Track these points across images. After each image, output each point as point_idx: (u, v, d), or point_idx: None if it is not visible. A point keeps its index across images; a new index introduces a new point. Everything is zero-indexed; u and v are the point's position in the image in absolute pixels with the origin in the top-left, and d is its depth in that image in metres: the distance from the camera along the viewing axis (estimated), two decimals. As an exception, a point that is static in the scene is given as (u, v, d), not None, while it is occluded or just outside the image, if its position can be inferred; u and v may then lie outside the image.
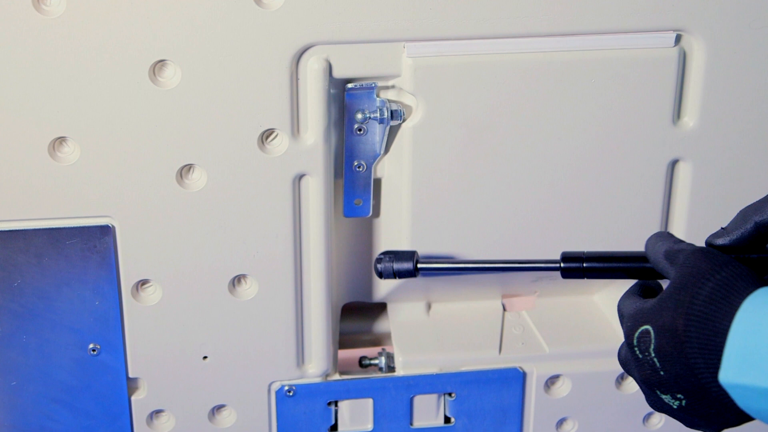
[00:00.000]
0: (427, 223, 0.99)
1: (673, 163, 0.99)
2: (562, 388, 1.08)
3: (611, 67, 0.94)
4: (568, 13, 0.91)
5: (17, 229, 0.93)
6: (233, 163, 0.93)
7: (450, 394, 1.07)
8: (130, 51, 0.88)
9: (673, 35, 0.94)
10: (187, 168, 0.93)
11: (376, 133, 0.96)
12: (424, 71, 0.92)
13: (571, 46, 0.93)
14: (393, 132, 0.96)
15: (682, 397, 0.69)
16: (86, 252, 0.95)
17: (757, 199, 0.75)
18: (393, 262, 0.88)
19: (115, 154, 0.91)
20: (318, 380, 1.04)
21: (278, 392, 1.04)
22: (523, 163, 0.97)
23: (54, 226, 0.94)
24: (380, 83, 0.93)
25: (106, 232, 0.94)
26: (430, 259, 0.88)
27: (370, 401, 1.06)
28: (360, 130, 0.95)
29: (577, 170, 0.98)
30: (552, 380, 1.08)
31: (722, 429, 0.70)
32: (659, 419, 1.12)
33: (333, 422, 1.07)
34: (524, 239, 1.01)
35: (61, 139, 0.91)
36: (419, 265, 0.86)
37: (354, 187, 0.99)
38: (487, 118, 0.95)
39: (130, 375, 1.01)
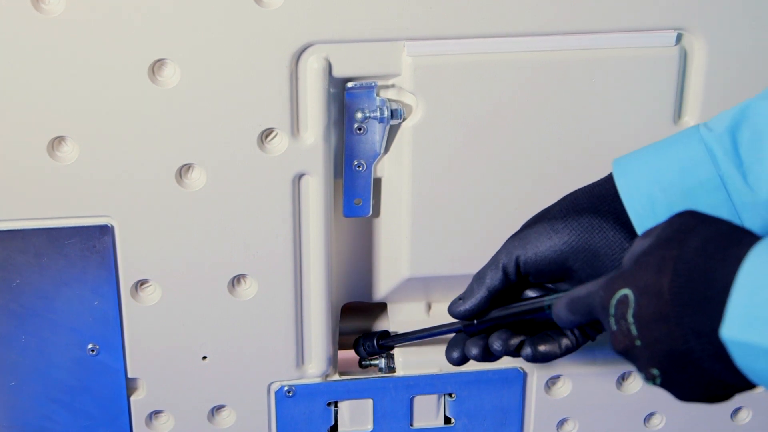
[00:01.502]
0: (427, 222, 0.99)
1: (674, 163, 0.99)
2: (562, 388, 1.08)
3: (612, 66, 0.94)
4: (568, 12, 0.91)
5: (16, 228, 0.93)
6: (233, 162, 0.93)
7: (450, 395, 1.06)
8: (129, 50, 0.87)
9: (674, 34, 0.93)
10: (186, 167, 0.93)
11: (376, 132, 0.95)
12: (424, 70, 0.92)
13: (571, 45, 0.93)
14: (393, 131, 0.96)
15: (658, 373, 0.64)
16: (85, 252, 0.95)
17: None
18: (362, 344, 1.04)
19: (114, 154, 0.91)
20: (318, 380, 1.04)
21: (278, 392, 1.04)
22: (524, 162, 0.97)
23: (53, 226, 0.93)
24: (380, 82, 0.93)
25: (105, 231, 0.94)
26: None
27: (370, 402, 1.06)
28: (360, 129, 0.95)
29: (578, 169, 0.98)
30: (553, 380, 1.08)
31: (702, 400, 0.65)
32: (660, 420, 1.11)
33: (333, 422, 1.07)
34: (525, 239, 1.00)
35: (60, 139, 0.90)
36: (380, 341, 1.02)
37: (354, 186, 0.99)
38: (488, 117, 0.95)
39: (130, 375, 1.01)
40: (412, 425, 1.07)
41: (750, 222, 0.79)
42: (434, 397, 1.06)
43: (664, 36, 0.93)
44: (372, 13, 0.89)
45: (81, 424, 1.02)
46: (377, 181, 0.99)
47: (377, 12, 0.89)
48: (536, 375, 1.07)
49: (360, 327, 1.10)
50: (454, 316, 0.87)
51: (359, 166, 0.97)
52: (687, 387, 0.64)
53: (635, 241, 0.68)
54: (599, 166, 0.98)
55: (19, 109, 0.88)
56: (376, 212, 1.01)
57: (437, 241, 1.00)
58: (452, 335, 0.91)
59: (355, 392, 1.05)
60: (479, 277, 0.85)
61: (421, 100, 0.93)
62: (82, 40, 0.86)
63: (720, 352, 0.61)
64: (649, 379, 0.66)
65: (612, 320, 0.66)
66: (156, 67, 0.89)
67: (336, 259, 1.03)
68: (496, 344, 0.84)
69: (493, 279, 0.84)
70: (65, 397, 1.01)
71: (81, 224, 0.94)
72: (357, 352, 1.05)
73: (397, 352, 1.05)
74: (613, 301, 0.66)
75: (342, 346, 1.08)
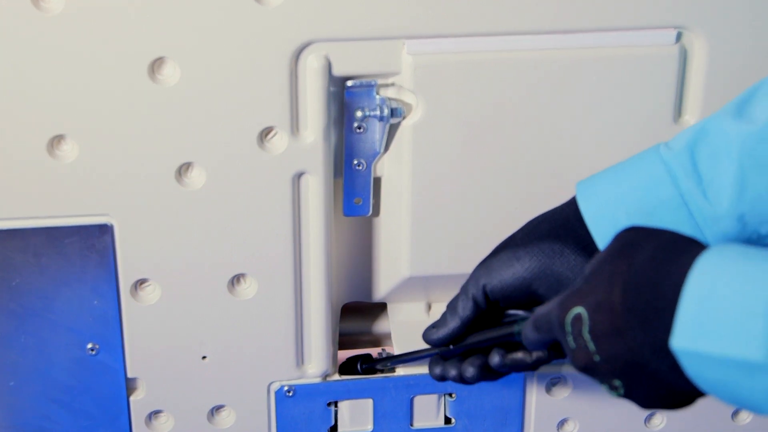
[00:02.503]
0: (427, 221, 0.99)
1: (674, 162, 0.99)
2: (563, 388, 1.08)
3: (612, 65, 0.94)
4: (568, 11, 0.91)
5: (15, 228, 0.93)
6: (232, 161, 0.93)
7: (450, 395, 1.06)
8: (128, 48, 0.87)
9: (674, 33, 0.93)
10: (186, 166, 0.93)
11: (376, 131, 0.95)
12: (424, 69, 0.92)
13: (571, 44, 0.93)
14: (393, 130, 0.96)
15: (620, 384, 0.65)
16: (85, 251, 0.94)
17: None
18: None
19: (113, 153, 0.91)
20: (317, 380, 1.04)
21: (278, 392, 1.03)
22: (523, 161, 0.97)
23: (52, 225, 0.93)
24: (380, 81, 0.93)
25: (104, 230, 0.94)
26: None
27: (370, 401, 1.06)
28: (360, 128, 0.95)
29: (577, 168, 0.98)
30: (553, 381, 1.07)
31: (665, 408, 0.66)
32: (660, 420, 1.11)
33: (333, 422, 1.06)
34: (525, 238, 1.00)
35: (59, 137, 0.90)
36: (364, 365, 1.04)
37: (354, 185, 0.98)
38: (488, 115, 0.95)
39: (129, 375, 1.01)
40: (412, 425, 1.07)
41: (713, 237, 0.80)
42: (434, 397, 1.06)
43: (664, 34, 0.93)
44: (372, 11, 0.89)
45: (80, 424, 1.02)
46: (377, 180, 0.99)
47: (377, 10, 0.89)
48: (536, 375, 1.06)
49: (360, 327, 1.10)
50: (428, 344, 0.88)
51: (359, 165, 0.97)
52: (648, 397, 0.65)
53: (590, 261, 0.70)
54: (599, 165, 0.98)
55: (18, 107, 0.88)
56: (376, 211, 1.01)
57: (437, 240, 1.00)
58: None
59: (355, 392, 1.05)
60: (451, 306, 0.87)
61: (421, 99, 0.93)
62: (82, 38, 0.86)
63: (675, 363, 0.62)
64: (612, 390, 0.67)
65: (570, 338, 0.67)
66: (156, 65, 0.88)
67: (336, 259, 1.03)
68: (469, 371, 0.85)
69: (465, 309, 0.86)
70: (65, 396, 1.01)
71: (80, 223, 0.93)
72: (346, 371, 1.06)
73: (397, 352, 1.05)
74: (568, 320, 0.67)
75: (342, 346, 1.07)
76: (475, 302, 0.85)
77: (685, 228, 0.80)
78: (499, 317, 0.88)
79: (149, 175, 0.92)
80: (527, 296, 0.84)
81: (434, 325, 0.88)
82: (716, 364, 0.59)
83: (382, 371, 1.04)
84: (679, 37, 0.94)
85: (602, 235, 0.82)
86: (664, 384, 0.63)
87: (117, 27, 0.86)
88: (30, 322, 0.97)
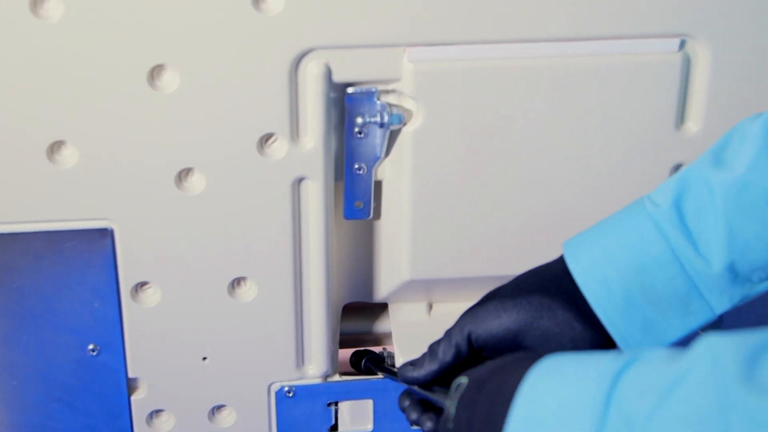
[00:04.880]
0: (427, 225, 0.99)
1: (676, 168, 0.98)
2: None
3: (614, 73, 0.93)
4: (570, 19, 0.90)
5: (16, 231, 0.93)
6: (232, 166, 0.93)
7: (450, 396, 1.06)
8: (128, 55, 0.87)
9: (677, 41, 0.93)
10: (186, 172, 0.93)
11: (377, 136, 0.95)
12: (424, 76, 0.91)
13: (573, 52, 0.92)
14: (394, 135, 0.96)
15: None
16: (85, 254, 0.95)
17: None
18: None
19: (113, 158, 0.91)
20: (318, 381, 1.04)
21: (278, 393, 1.04)
22: (524, 168, 0.97)
23: (53, 229, 0.94)
24: (380, 87, 0.93)
25: (105, 234, 0.94)
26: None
27: (370, 402, 1.06)
28: (360, 133, 0.95)
29: (579, 175, 0.98)
30: (553, 382, 1.07)
31: None
32: None
33: (333, 422, 1.07)
34: (525, 244, 1.00)
35: (59, 143, 0.90)
36: (367, 365, 1.03)
37: (354, 189, 0.98)
38: (488, 122, 0.94)
39: (130, 375, 1.01)
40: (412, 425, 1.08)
41: (710, 294, 0.80)
42: (434, 397, 1.06)
43: (668, 42, 0.93)
44: (373, 19, 0.88)
45: (82, 423, 1.03)
46: (378, 184, 0.99)
47: (378, 18, 0.88)
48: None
49: (361, 327, 1.11)
50: (403, 381, 0.88)
51: (360, 169, 0.97)
52: None
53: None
54: (602, 171, 0.98)
55: (19, 113, 0.88)
56: (377, 215, 1.01)
57: (437, 244, 1.00)
58: None
59: (355, 392, 1.06)
60: (432, 349, 0.87)
61: (421, 106, 0.93)
62: (81, 45, 0.86)
63: None
64: None
65: (449, 402, 0.73)
66: (155, 72, 0.88)
67: (337, 261, 1.03)
68: (426, 426, 0.85)
69: (445, 354, 0.85)
70: (66, 396, 1.01)
71: (81, 227, 0.94)
72: (354, 366, 1.05)
73: (398, 353, 1.05)
74: (454, 386, 0.74)
75: (343, 346, 1.08)
76: (458, 349, 0.85)
77: (678, 284, 0.80)
78: (480, 362, 0.88)
79: (149, 181, 0.92)
80: (512, 348, 0.84)
81: (412, 363, 0.87)
82: None
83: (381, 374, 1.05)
84: (682, 45, 0.93)
85: (593, 294, 0.82)
86: None
87: (116, 34, 0.86)
88: (31, 323, 0.98)
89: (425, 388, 0.86)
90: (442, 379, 0.86)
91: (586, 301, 0.82)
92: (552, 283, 0.84)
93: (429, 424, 0.84)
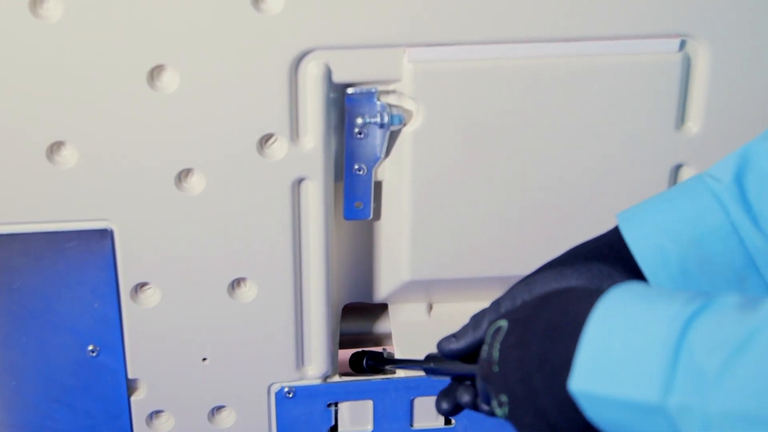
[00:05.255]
0: (427, 226, 0.99)
1: (677, 168, 0.98)
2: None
3: (615, 73, 0.93)
4: (570, 19, 0.90)
5: (16, 232, 0.93)
6: (232, 167, 0.93)
7: (450, 396, 1.06)
8: (128, 55, 0.87)
9: (678, 41, 0.92)
10: (185, 172, 0.93)
11: (377, 137, 0.95)
12: (424, 76, 0.91)
13: (573, 52, 0.92)
14: (394, 136, 0.96)
15: (506, 399, 0.66)
16: (85, 255, 0.95)
17: None
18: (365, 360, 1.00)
19: (113, 159, 0.91)
20: (318, 382, 1.04)
21: (278, 394, 1.04)
22: (524, 169, 0.97)
23: (53, 230, 0.93)
24: (380, 87, 0.93)
25: (104, 235, 0.94)
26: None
27: (370, 403, 1.06)
28: (360, 133, 0.95)
29: (580, 175, 0.98)
30: (553, 383, 1.07)
31: None
32: None
33: (333, 423, 1.07)
34: (525, 244, 1.00)
35: (58, 144, 0.90)
36: (369, 363, 0.99)
37: (354, 189, 0.98)
38: (488, 123, 0.94)
39: (130, 376, 1.01)
40: (412, 426, 1.08)
41: (765, 265, 0.78)
42: (435, 398, 1.06)
43: (668, 43, 0.92)
44: (372, 19, 0.88)
45: (82, 424, 1.03)
46: (378, 185, 0.99)
47: (377, 18, 0.88)
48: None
49: (361, 328, 1.10)
50: (442, 353, 0.82)
51: (360, 170, 0.97)
52: (528, 426, 0.66)
53: None
54: (602, 171, 0.98)
55: (18, 114, 0.88)
56: (377, 215, 1.01)
57: (437, 244, 1.00)
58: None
59: (355, 393, 1.05)
60: (477, 319, 0.80)
61: (421, 106, 0.93)
62: (81, 46, 0.86)
63: (563, 400, 0.62)
64: (499, 406, 0.67)
65: (485, 348, 0.69)
66: (155, 72, 0.88)
67: (337, 261, 1.03)
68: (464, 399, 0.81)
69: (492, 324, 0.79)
70: (66, 396, 1.01)
71: (81, 228, 0.94)
72: (353, 367, 1.04)
73: (398, 353, 1.05)
74: (491, 330, 0.69)
75: (343, 347, 1.08)
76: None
77: (736, 258, 0.78)
78: None
79: (149, 181, 0.92)
80: None
81: (455, 335, 0.81)
82: (613, 406, 0.59)
83: (384, 371, 1.04)
84: (682, 45, 0.93)
85: (648, 263, 0.80)
86: (545, 417, 0.64)
87: (116, 34, 0.86)
88: (31, 324, 0.98)
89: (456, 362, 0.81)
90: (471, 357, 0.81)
91: (642, 271, 0.80)
92: (611, 251, 0.81)
93: (466, 397, 0.80)
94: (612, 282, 0.80)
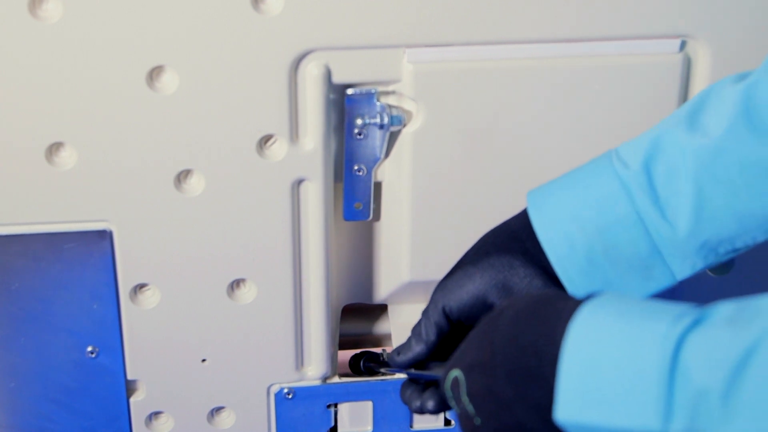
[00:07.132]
0: (427, 226, 0.99)
1: (677, 169, 0.98)
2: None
3: (615, 74, 0.93)
4: (571, 19, 0.90)
5: (15, 233, 0.93)
6: (231, 168, 0.92)
7: (450, 397, 1.06)
8: (127, 56, 0.87)
9: (678, 42, 0.92)
10: (185, 173, 0.93)
11: (377, 137, 0.95)
12: (424, 77, 0.91)
13: (574, 53, 0.92)
14: (393, 136, 0.95)
15: None
16: (84, 256, 0.95)
17: None
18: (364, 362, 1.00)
19: (112, 159, 0.91)
20: (317, 383, 1.04)
21: (277, 394, 1.04)
22: (524, 169, 0.97)
23: (52, 231, 0.93)
24: (380, 88, 0.92)
25: (104, 236, 0.94)
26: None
27: (369, 403, 1.06)
28: (360, 134, 0.94)
29: (580, 176, 0.97)
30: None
31: None
32: None
33: (332, 424, 1.07)
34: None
35: (58, 145, 0.90)
36: (367, 365, 0.99)
37: (354, 190, 0.98)
38: (488, 123, 0.94)
39: (129, 377, 1.01)
40: (412, 427, 1.08)
41: (673, 260, 0.78)
42: (434, 399, 1.06)
43: (668, 43, 0.92)
44: (372, 20, 0.88)
45: (81, 425, 1.03)
46: (378, 185, 0.99)
47: (377, 19, 0.88)
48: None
49: (361, 328, 1.10)
50: (394, 366, 0.86)
51: (360, 171, 0.97)
52: None
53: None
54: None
55: (17, 115, 0.88)
56: (377, 216, 1.01)
57: (437, 245, 1.00)
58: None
59: (354, 394, 1.05)
60: (416, 331, 0.85)
61: (421, 107, 0.93)
62: (80, 47, 0.86)
63: (552, 424, 0.61)
64: None
65: (453, 403, 0.68)
66: (154, 73, 0.88)
67: (336, 262, 1.03)
68: (429, 404, 0.83)
69: (429, 334, 0.84)
70: (65, 398, 1.01)
71: (80, 229, 0.93)
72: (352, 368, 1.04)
73: (398, 354, 1.05)
74: (447, 385, 0.68)
75: (342, 347, 1.08)
76: (438, 326, 0.83)
77: (641, 244, 0.78)
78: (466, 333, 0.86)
79: (148, 182, 0.92)
80: (487, 311, 0.80)
81: (398, 350, 0.85)
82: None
83: (381, 374, 1.04)
84: (683, 46, 0.93)
85: (555, 251, 0.80)
86: None
87: (115, 35, 0.86)
88: (30, 325, 0.97)
89: (421, 368, 0.85)
90: (436, 355, 0.84)
91: (548, 258, 0.80)
92: (513, 241, 0.82)
93: (431, 403, 0.82)
94: (513, 272, 0.81)
